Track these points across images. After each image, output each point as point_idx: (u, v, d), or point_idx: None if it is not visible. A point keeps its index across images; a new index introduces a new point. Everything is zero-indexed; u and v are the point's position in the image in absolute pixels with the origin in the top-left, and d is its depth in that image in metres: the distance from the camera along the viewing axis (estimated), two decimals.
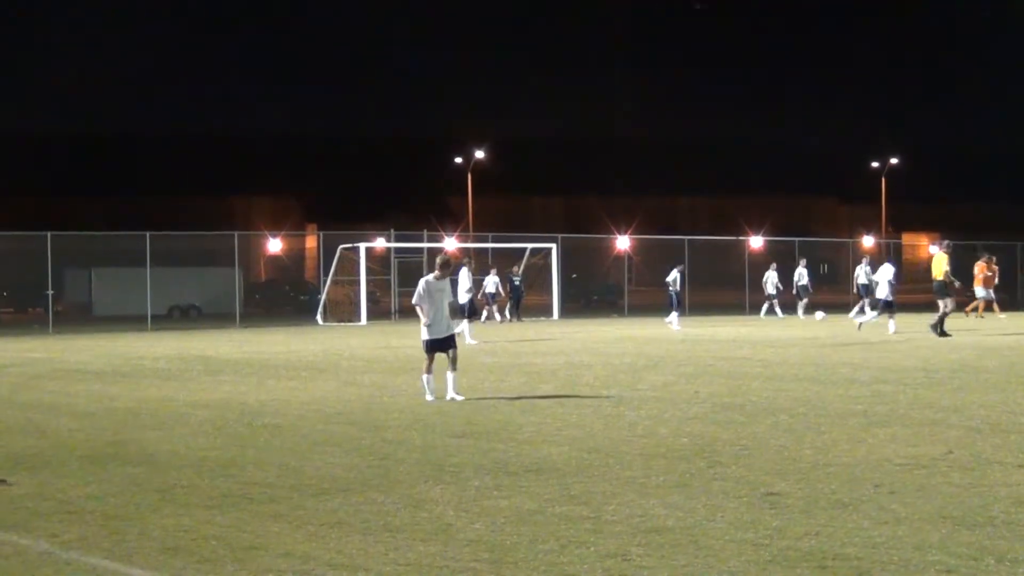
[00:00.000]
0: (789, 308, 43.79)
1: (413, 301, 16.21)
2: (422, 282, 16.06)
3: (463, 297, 28.57)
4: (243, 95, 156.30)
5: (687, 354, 24.36)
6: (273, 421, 14.10)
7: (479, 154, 79.93)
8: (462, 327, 28.38)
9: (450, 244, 53.87)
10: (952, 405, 14.65)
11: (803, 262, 43.05)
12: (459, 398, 15.86)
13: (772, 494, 9.21)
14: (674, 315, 36.67)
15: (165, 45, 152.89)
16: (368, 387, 18.14)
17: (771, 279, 43.51)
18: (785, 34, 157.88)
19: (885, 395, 15.85)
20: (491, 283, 43.15)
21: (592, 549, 7.60)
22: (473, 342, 28.26)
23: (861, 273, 39.66)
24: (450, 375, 16.01)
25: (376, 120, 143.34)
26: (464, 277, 29.83)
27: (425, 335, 16.03)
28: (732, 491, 9.35)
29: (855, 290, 41.27)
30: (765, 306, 43.81)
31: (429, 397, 15.89)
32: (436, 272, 16.14)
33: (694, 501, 8.99)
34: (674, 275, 36.87)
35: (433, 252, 50.73)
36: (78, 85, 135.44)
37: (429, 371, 16.06)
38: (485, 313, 41.62)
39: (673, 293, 36.70)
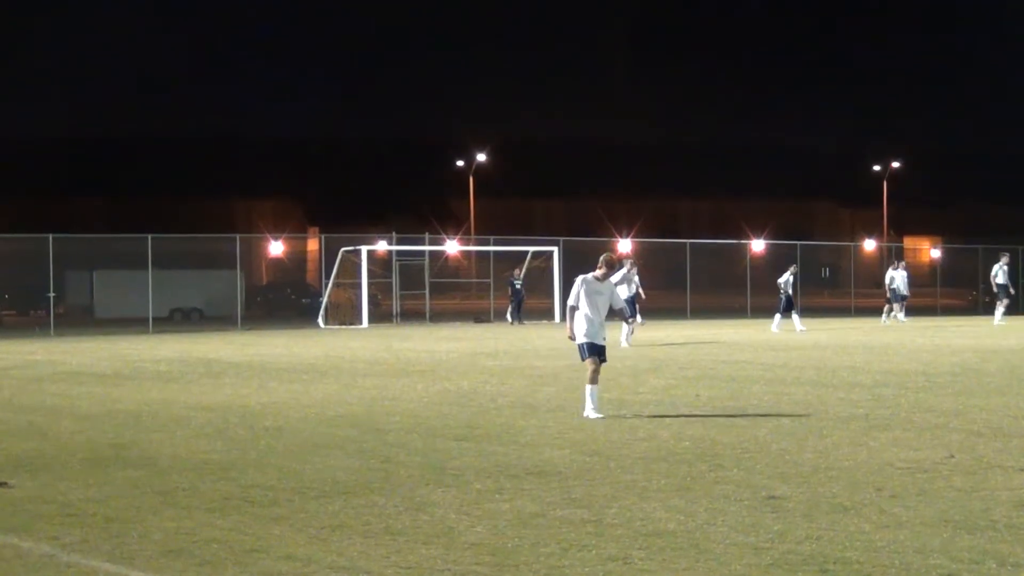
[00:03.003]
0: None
1: (569, 303, 14.41)
2: (579, 281, 14.37)
3: (624, 299, 27.08)
4: (245, 97, 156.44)
5: (688, 357, 24.35)
6: (274, 424, 14.09)
7: (481, 157, 79.99)
8: (624, 330, 27.47)
9: (452, 247, 53.86)
10: (953, 409, 14.64)
11: (901, 264, 40.42)
12: (594, 416, 14.06)
13: (773, 498, 9.21)
14: (778, 317, 35.05)
15: (167, 47, 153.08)
16: (369, 390, 18.13)
17: (897, 279, 40.02)
18: (787, 36, 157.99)
19: (886, 399, 15.84)
20: None
21: (593, 552, 7.60)
22: (626, 344, 27.45)
23: (999, 272, 37.35)
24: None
25: (377, 123, 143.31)
26: (620, 276, 28.34)
27: (583, 339, 14.27)
28: (733, 495, 9.34)
29: (993, 290, 38.65)
30: (896, 307, 40.78)
31: (598, 414, 14.02)
32: (600, 271, 14.47)
33: (695, 505, 8.99)
34: (787, 276, 35.10)
35: (434, 255, 50.84)
36: (80, 87, 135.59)
37: (595, 380, 14.23)
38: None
39: (784, 295, 34.90)
